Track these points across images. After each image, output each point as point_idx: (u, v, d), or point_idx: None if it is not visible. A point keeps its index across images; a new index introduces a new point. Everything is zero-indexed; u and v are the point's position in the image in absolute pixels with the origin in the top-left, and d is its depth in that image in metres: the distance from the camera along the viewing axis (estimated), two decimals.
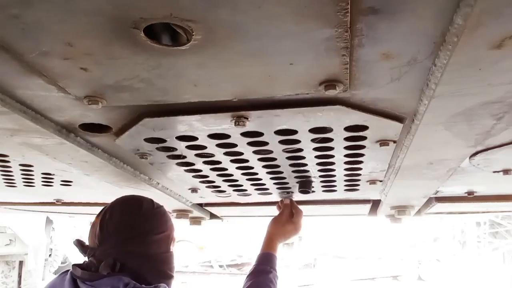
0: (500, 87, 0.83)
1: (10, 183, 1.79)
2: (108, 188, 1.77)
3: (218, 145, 1.19)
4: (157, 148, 1.23)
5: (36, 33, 0.68)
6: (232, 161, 1.34)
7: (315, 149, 1.22)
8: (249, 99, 0.93)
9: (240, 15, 0.62)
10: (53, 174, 1.64)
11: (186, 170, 1.46)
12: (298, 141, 1.15)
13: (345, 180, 1.62)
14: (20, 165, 1.51)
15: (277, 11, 0.62)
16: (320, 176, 1.55)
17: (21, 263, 8.41)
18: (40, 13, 0.63)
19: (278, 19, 0.64)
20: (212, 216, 2.51)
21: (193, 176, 1.54)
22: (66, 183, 1.79)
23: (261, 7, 0.61)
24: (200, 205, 2.31)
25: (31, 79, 0.85)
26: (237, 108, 0.97)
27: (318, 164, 1.38)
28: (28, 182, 1.77)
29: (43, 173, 1.63)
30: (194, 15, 0.62)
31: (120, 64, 0.78)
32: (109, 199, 1.46)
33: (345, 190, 1.78)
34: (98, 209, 1.48)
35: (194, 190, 1.77)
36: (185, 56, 0.74)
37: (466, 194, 1.94)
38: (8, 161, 1.46)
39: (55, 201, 2.27)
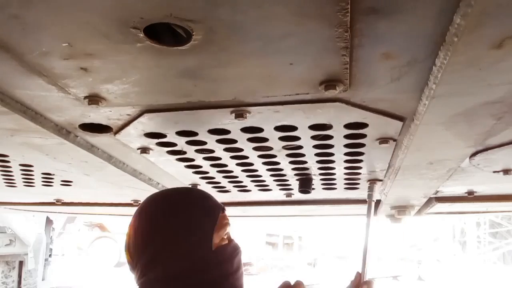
0: (500, 87, 0.83)
1: (10, 183, 1.79)
2: (108, 188, 1.78)
3: (218, 141, 1.19)
4: (157, 144, 1.23)
5: (36, 33, 0.68)
6: (232, 157, 1.34)
7: (315, 146, 1.22)
8: (248, 100, 0.93)
9: (240, 15, 0.62)
10: (53, 174, 1.64)
11: (186, 166, 1.46)
12: (298, 138, 1.16)
13: (345, 179, 1.62)
14: (20, 165, 1.51)
15: (277, 11, 0.62)
16: (320, 174, 1.55)
17: (21, 263, 8.40)
18: (40, 13, 0.63)
19: (278, 19, 0.64)
20: None
21: (193, 172, 1.54)
22: (66, 183, 1.79)
23: (261, 7, 0.61)
24: None
25: (31, 79, 0.85)
26: (237, 106, 0.97)
27: (318, 162, 1.38)
28: (28, 182, 1.77)
29: (43, 173, 1.63)
30: (194, 15, 0.63)
31: (120, 64, 0.78)
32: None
33: (345, 188, 1.78)
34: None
35: (194, 186, 1.77)
36: (185, 56, 0.74)
37: (466, 194, 1.94)
38: (8, 161, 1.46)
39: (55, 201, 2.28)
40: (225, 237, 1.12)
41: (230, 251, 1.11)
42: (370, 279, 1.51)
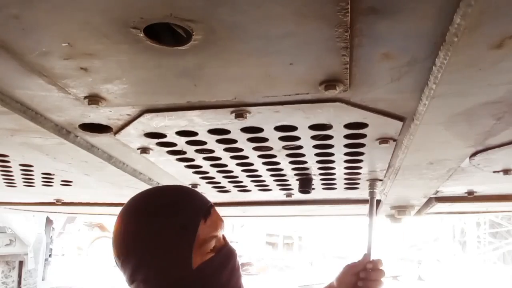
0: (500, 87, 0.83)
1: (10, 183, 1.79)
2: (108, 188, 1.78)
3: (218, 141, 1.19)
4: (157, 144, 1.23)
5: (36, 33, 0.68)
6: (232, 157, 1.34)
7: (315, 146, 1.22)
8: (248, 100, 0.93)
9: (240, 15, 0.62)
10: (53, 174, 1.64)
11: (186, 166, 1.46)
12: (298, 138, 1.16)
13: (345, 179, 1.62)
14: (20, 165, 1.51)
15: (277, 11, 0.62)
16: (320, 174, 1.55)
17: (21, 263, 8.41)
18: (40, 13, 0.63)
19: (278, 19, 0.64)
20: None
21: (193, 172, 1.54)
22: (66, 183, 1.79)
23: (261, 7, 0.61)
24: None
25: (31, 79, 0.85)
26: (237, 106, 0.97)
27: (318, 162, 1.38)
28: (28, 182, 1.77)
29: (43, 173, 1.63)
30: (194, 15, 0.63)
31: (120, 64, 0.78)
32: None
33: (345, 188, 1.78)
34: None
35: (194, 186, 1.77)
36: (185, 56, 0.74)
37: (466, 194, 1.94)
38: (8, 161, 1.46)
39: (55, 201, 2.28)
40: (210, 249, 0.99)
41: (218, 263, 1.00)
42: (377, 259, 1.49)
